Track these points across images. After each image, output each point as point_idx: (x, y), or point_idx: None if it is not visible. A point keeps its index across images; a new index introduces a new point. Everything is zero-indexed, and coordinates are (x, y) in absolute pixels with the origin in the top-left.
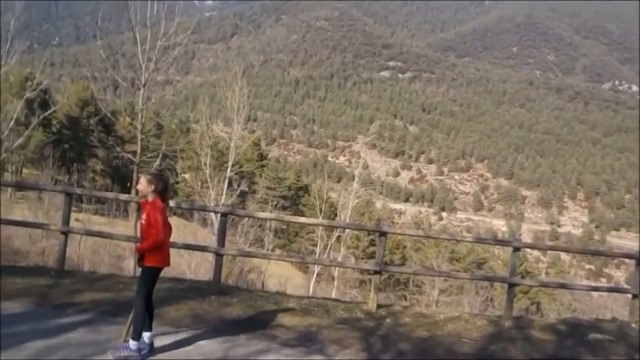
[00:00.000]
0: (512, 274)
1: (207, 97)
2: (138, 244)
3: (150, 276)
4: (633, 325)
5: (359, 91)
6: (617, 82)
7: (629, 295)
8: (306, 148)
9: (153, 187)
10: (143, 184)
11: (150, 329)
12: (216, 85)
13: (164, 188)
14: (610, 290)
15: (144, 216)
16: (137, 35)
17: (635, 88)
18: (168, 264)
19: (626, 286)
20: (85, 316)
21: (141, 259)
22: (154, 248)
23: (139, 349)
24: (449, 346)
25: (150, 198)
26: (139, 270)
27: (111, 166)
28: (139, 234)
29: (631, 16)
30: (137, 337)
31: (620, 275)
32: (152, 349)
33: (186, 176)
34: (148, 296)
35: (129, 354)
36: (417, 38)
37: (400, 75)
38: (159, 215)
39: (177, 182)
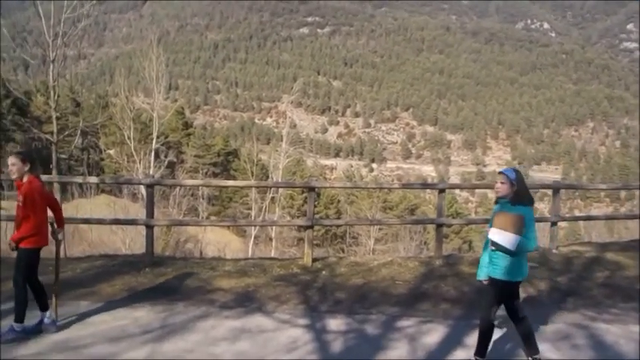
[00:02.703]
0: (439, 215)
1: (124, 69)
2: (15, 232)
3: (28, 259)
4: (554, 251)
5: (280, 50)
6: (529, 21)
7: (549, 224)
8: (232, 113)
9: (28, 165)
10: (17, 164)
11: (46, 308)
12: (132, 56)
13: (38, 165)
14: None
15: (20, 197)
16: (40, 9)
17: (546, 25)
18: (46, 243)
19: (546, 215)
20: None
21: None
22: (34, 234)
23: (24, 330)
24: (383, 289)
25: (25, 178)
26: (71, 249)
27: (29, 149)
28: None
29: None
30: (20, 319)
31: (543, 207)
32: (55, 326)
33: (111, 152)
34: (31, 278)
35: (14, 336)
36: None
37: (319, 30)
38: (37, 196)
39: (102, 159)
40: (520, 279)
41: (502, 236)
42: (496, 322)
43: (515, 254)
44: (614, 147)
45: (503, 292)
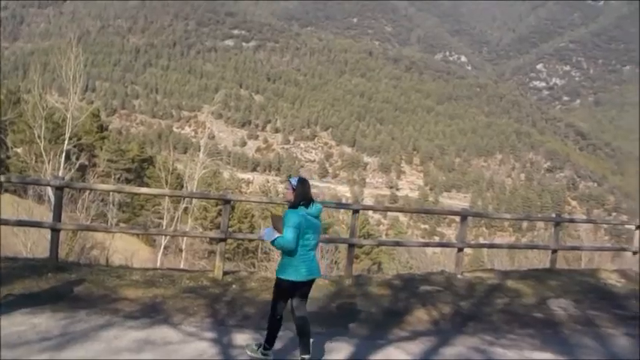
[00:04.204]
0: (351, 235)
1: (40, 66)
2: None
3: None
4: (459, 276)
5: (203, 60)
6: (447, 53)
7: (456, 250)
8: (150, 119)
9: None
10: None
11: None
12: (50, 53)
13: None
14: (439, 245)
15: None
16: None
17: (463, 58)
18: None
19: (453, 241)
20: None
21: None
22: None
23: None
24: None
25: None
26: None
27: None
28: None
29: None
30: None
31: (451, 233)
32: None
33: (19, 150)
34: None
35: None
36: (260, 6)
37: (244, 44)
38: None
39: (8, 157)
40: (293, 279)
41: (266, 232)
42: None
43: (285, 253)
44: (519, 179)
45: (279, 288)
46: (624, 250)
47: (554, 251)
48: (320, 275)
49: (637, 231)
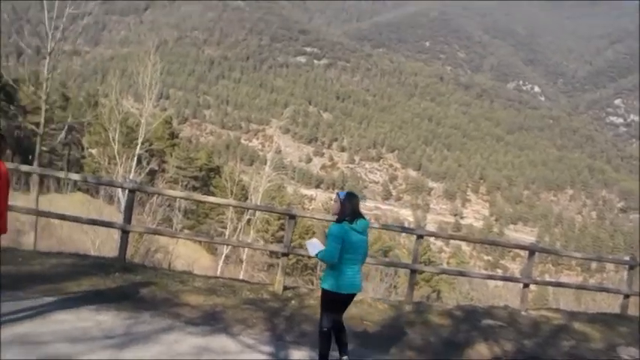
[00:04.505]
0: (414, 260)
1: (118, 71)
2: None
3: None
4: (523, 313)
5: (274, 75)
6: (520, 82)
7: (521, 285)
8: (219, 130)
9: None
10: None
11: None
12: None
13: (3, 149)
14: (503, 279)
15: None
16: (45, 1)
17: (537, 89)
18: (5, 231)
19: (518, 276)
20: None
21: None
22: None
23: None
24: (351, 327)
25: None
26: (39, 243)
27: (12, 136)
28: None
29: (537, 19)
30: None
31: (515, 267)
32: None
33: (93, 151)
34: None
35: None
36: (333, 26)
37: (316, 61)
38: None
39: (83, 157)
40: (337, 290)
41: (311, 244)
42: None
43: (328, 266)
44: (590, 217)
45: (322, 299)
46: None
47: (627, 296)
48: (360, 291)
49: None
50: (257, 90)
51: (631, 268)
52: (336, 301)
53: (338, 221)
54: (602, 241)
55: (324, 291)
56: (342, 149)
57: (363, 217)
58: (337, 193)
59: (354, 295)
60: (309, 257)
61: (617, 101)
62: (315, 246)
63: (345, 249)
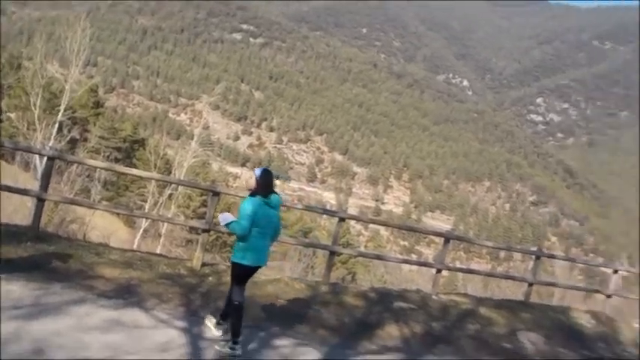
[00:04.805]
0: (334, 242)
1: (45, 34)
2: None
3: None
4: (434, 297)
5: (208, 50)
6: (451, 75)
7: (434, 270)
8: (147, 101)
9: None
10: None
11: None
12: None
13: None
14: (418, 264)
15: None
16: None
17: (465, 83)
18: None
19: (432, 262)
20: None
21: None
22: None
23: None
24: (266, 306)
25: None
26: None
27: None
28: None
29: (472, 15)
30: None
31: (429, 253)
32: None
33: (12, 115)
34: None
35: None
36: (272, 5)
37: (252, 39)
38: None
39: (0, 120)
40: (245, 263)
41: (223, 217)
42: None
43: (239, 238)
44: (503, 209)
45: (233, 272)
46: (598, 292)
47: (531, 284)
48: (266, 264)
49: (614, 275)
50: (189, 64)
51: (537, 258)
52: (244, 274)
53: (252, 195)
54: (513, 232)
55: (234, 264)
56: (271, 129)
57: (276, 193)
58: (254, 170)
59: (258, 267)
60: (230, 234)
61: (539, 100)
62: (226, 218)
63: (257, 223)
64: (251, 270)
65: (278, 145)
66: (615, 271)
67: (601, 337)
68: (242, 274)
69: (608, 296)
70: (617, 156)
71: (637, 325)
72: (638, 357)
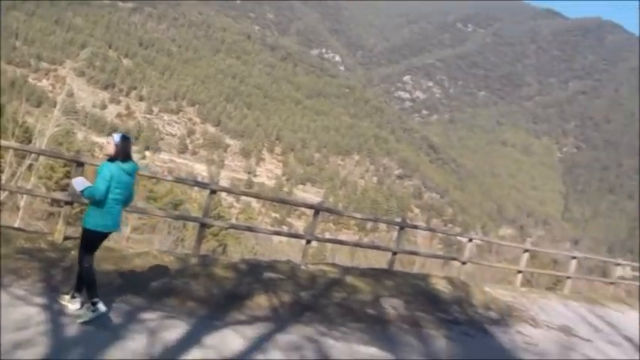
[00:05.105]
0: (205, 214)
1: None
2: None
3: None
4: (303, 267)
5: (74, 13)
6: (324, 50)
7: (304, 241)
8: (5, 65)
9: None
10: None
11: None
12: None
13: None
14: (289, 235)
15: None
16: None
17: (338, 58)
18: None
19: (302, 233)
20: None
21: None
22: None
23: None
24: (134, 279)
25: None
26: None
27: None
28: None
29: None
30: None
31: (300, 224)
32: None
33: None
34: None
35: None
36: None
37: (121, 3)
38: None
39: None
40: (99, 229)
41: (76, 182)
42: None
43: (93, 203)
44: (371, 182)
45: (84, 238)
46: (454, 259)
47: (394, 253)
48: (119, 230)
49: (468, 243)
50: (52, 26)
51: (401, 228)
52: (96, 240)
53: (110, 161)
54: (379, 204)
55: (86, 230)
56: (141, 98)
57: (133, 161)
58: (112, 135)
59: (110, 233)
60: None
61: (407, 78)
62: (81, 183)
63: (112, 189)
64: (103, 236)
65: (148, 115)
66: (470, 240)
67: (456, 301)
68: (94, 239)
69: (463, 263)
70: (473, 132)
71: (487, 289)
72: (487, 318)
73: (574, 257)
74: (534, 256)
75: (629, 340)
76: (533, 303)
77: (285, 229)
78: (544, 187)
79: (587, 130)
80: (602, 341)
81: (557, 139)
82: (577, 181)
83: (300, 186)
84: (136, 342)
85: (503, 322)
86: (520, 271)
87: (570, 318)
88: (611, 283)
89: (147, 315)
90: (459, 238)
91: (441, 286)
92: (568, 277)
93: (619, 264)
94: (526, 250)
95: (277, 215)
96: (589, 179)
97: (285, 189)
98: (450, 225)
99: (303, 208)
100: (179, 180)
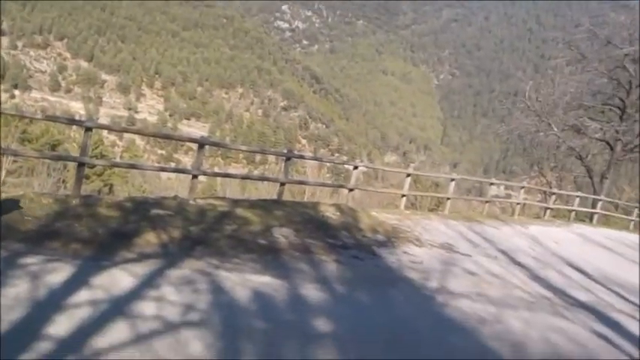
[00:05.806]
0: (82, 153)
1: None
2: None
3: None
4: (191, 202)
5: None
6: None
7: (191, 176)
8: None
9: None
10: None
11: None
12: None
13: None
14: (175, 171)
15: None
16: None
17: None
18: None
19: (188, 168)
20: None
21: None
22: None
23: None
24: (9, 224)
25: None
26: None
27: None
28: None
29: None
30: None
31: (187, 160)
32: None
33: None
34: None
35: None
36: None
37: None
38: None
39: None
40: None
41: None
42: None
43: None
44: (257, 114)
45: None
46: (342, 187)
47: (283, 184)
48: None
49: (354, 171)
50: None
51: (287, 159)
52: None
53: None
54: (267, 137)
55: None
56: (3, 33)
57: None
58: None
59: None
60: None
61: (284, 7)
62: None
63: None
64: None
65: (12, 52)
66: (356, 168)
67: (344, 227)
68: None
69: (351, 190)
70: (354, 62)
71: (374, 214)
72: (374, 240)
73: (453, 179)
74: (417, 180)
75: (504, 253)
76: (417, 224)
77: (172, 165)
78: (424, 114)
79: (460, 57)
80: (480, 255)
81: (434, 66)
82: (453, 107)
83: (185, 121)
84: (17, 287)
85: (390, 244)
86: (404, 195)
87: (451, 236)
88: (487, 202)
89: (27, 260)
90: (345, 166)
91: (330, 213)
92: (448, 198)
93: (493, 183)
94: (409, 175)
95: (163, 152)
96: (464, 105)
97: (169, 124)
98: (337, 154)
99: (189, 144)
100: (51, 118)
